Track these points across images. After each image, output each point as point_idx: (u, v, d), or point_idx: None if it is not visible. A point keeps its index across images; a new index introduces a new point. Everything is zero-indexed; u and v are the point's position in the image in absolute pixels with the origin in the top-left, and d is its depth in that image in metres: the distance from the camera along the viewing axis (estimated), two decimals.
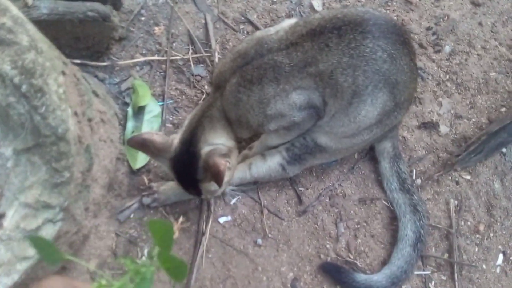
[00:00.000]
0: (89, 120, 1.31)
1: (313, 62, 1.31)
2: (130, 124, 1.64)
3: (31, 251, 1.11)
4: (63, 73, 1.14)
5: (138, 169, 1.61)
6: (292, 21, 1.45)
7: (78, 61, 1.63)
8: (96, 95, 1.49)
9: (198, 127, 1.39)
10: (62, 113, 1.07)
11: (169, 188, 1.57)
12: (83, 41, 1.60)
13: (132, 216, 1.57)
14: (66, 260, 0.78)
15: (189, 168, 1.38)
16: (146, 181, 1.61)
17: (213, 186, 1.40)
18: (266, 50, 1.34)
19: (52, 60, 1.09)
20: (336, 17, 1.34)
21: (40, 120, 1.05)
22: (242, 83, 1.35)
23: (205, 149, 1.37)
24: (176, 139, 1.40)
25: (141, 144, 1.38)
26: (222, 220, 1.61)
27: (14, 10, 1.06)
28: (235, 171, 1.54)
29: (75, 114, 1.17)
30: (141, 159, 1.61)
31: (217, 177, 1.28)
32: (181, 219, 1.58)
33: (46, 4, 1.45)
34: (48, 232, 1.14)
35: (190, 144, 1.38)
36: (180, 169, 1.40)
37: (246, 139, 1.68)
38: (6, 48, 1.03)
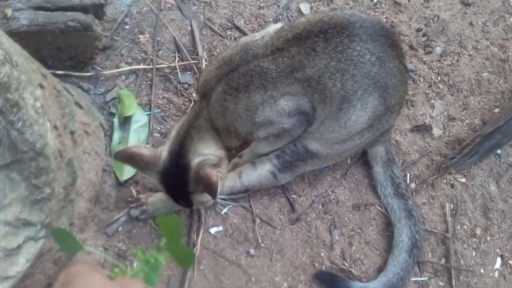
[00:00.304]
0: (71, 133, 1.28)
1: (300, 67, 1.28)
2: (116, 135, 1.61)
3: (12, 270, 1.08)
4: (41, 86, 1.11)
5: (126, 181, 1.58)
6: (277, 26, 1.42)
7: (61, 72, 1.60)
8: (80, 106, 1.46)
9: (186, 138, 1.36)
10: (39, 128, 1.03)
11: (158, 199, 1.54)
12: (66, 51, 1.57)
13: (120, 229, 1.53)
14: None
15: (179, 181, 1.34)
16: (134, 192, 1.57)
17: (205, 197, 1.36)
18: (252, 56, 1.31)
19: (29, 73, 1.05)
20: (322, 21, 1.31)
21: (17, 135, 1.01)
22: (228, 91, 1.32)
23: (195, 161, 1.33)
24: (164, 150, 1.37)
25: (130, 158, 1.34)
26: (213, 230, 1.58)
27: None
28: (226, 180, 1.50)
29: (55, 127, 1.13)
30: (128, 171, 1.57)
31: (210, 189, 1.25)
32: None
33: (26, 15, 1.42)
34: (30, 250, 1.11)
35: (179, 156, 1.34)
36: (170, 181, 1.36)
37: (236, 147, 1.65)
38: None
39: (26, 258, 1.09)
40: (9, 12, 1.41)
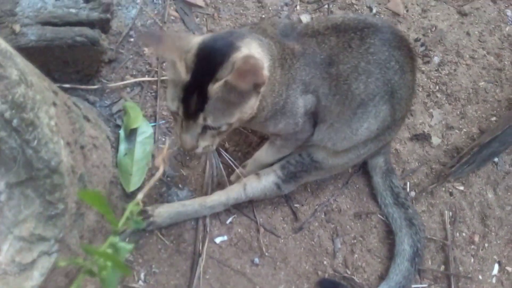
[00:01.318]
0: (82, 147, 1.30)
1: (336, 62, 1.30)
2: (122, 147, 1.63)
3: (27, 285, 1.10)
4: (54, 104, 1.13)
5: (132, 192, 1.60)
6: None
7: (68, 85, 1.62)
8: (88, 119, 1.48)
9: (242, 31, 1.29)
10: (54, 146, 1.06)
11: (164, 210, 1.56)
12: (73, 65, 1.59)
13: (127, 240, 1.56)
14: None
15: (213, 59, 1.12)
16: (141, 204, 1.59)
17: (206, 139, 1.23)
18: (297, 33, 1.32)
19: (43, 92, 1.08)
20: (358, 19, 1.35)
21: (32, 153, 1.04)
22: (285, 54, 1.28)
23: (244, 50, 1.15)
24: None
25: (153, 38, 1.19)
26: (218, 240, 1.61)
27: (2, 43, 1.05)
28: (230, 192, 1.54)
29: (68, 144, 1.16)
30: (134, 182, 1.59)
31: (247, 74, 1.07)
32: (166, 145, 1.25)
33: (34, 31, 1.44)
34: (44, 265, 1.13)
35: (227, 36, 1.18)
36: (201, 60, 1.12)
37: (242, 151, 1.68)
38: None
39: (40, 273, 1.11)
40: (17, 27, 1.43)
